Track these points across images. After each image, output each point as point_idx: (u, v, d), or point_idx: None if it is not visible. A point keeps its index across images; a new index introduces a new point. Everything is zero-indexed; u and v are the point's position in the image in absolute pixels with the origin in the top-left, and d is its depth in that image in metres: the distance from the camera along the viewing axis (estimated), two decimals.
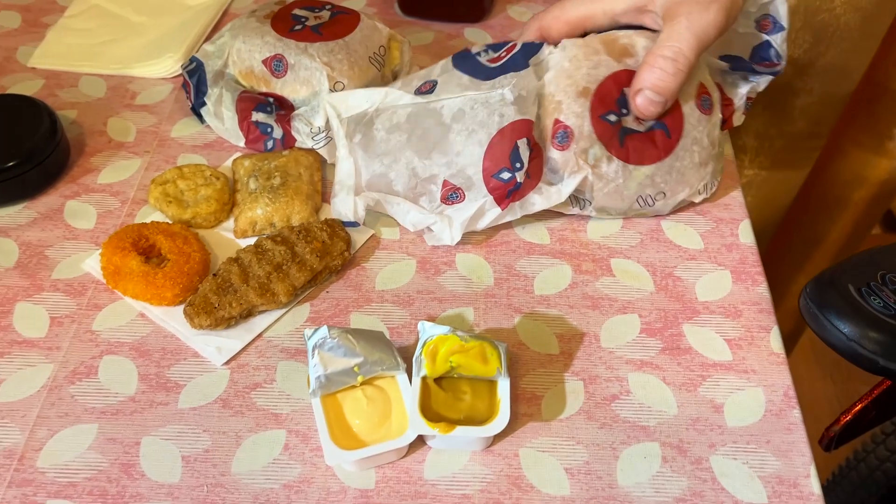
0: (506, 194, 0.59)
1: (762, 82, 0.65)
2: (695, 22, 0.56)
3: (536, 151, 0.59)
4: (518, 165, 0.58)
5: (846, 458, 0.93)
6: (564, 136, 0.59)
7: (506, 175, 0.58)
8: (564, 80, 0.59)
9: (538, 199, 0.60)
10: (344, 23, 0.68)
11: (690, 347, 0.56)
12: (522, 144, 0.58)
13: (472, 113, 0.59)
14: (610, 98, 0.59)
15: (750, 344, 0.56)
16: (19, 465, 0.49)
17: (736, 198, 0.66)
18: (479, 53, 0.62)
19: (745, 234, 0.63)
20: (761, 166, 1.08)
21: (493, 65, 0.61)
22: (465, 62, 0.62)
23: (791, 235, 1.18)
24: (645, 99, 0.58)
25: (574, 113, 0.59)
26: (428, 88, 0.62)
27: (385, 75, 0.70)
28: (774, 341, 0.56)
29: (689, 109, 0.60)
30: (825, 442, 0.64)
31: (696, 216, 0.64)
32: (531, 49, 0.60)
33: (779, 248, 1.21)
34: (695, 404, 0.53)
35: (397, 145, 0.61)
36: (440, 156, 0.60)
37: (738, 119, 0.65)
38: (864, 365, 0.52)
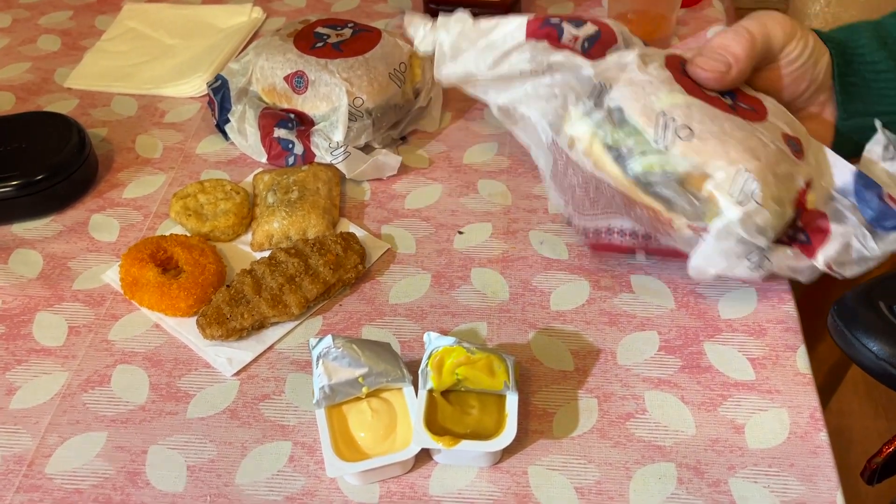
0: None
1: None
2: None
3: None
4: None
5: None
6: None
7: None
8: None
9: None
10: (365, 40, 0.68)
11: (711, 366, 0.53)
12: None
13: None
14: None
15: (774, 363, 0.53)
16: (28, 470, 0.49)
17: None
18: None
19: None
20: None
21: None
22: None
23: None
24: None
25: None
26: None
27: (406, 92, 0.70)
28: (801, 361, 0.54)
29: None
30: (867, 474, 0.60)
31: None
32: None
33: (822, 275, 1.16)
34: (714, 424, 0.50)
35: None
36: None
37: None
38: None
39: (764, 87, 0.57)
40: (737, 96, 0.54)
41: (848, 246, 0.53)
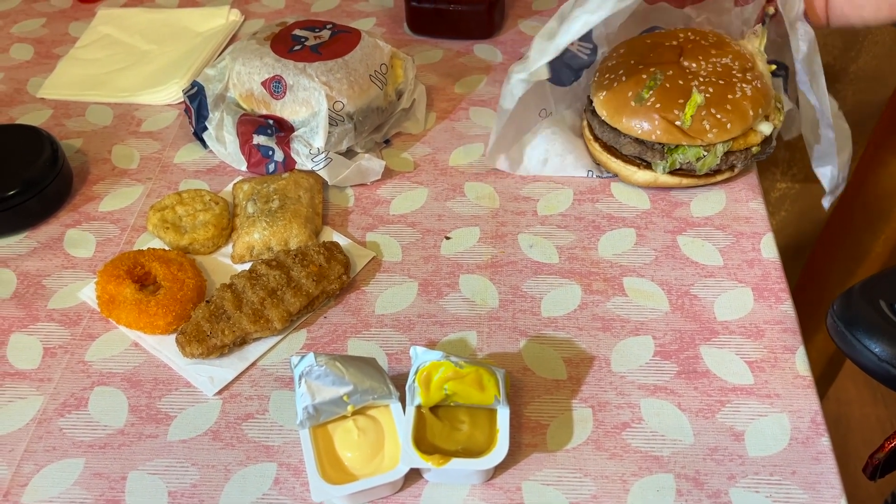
0: None
1: None
2: None
3: None
4: None
5: None
6: None
7: None
8: None
9: None
10: (344, 42, 0.66)
11: (708, 371, 0.52)
12: None
13: None
14: None
15: (773, 366, 0.52)
16: (4, 501, 0.47)
17: (757, 210, 0.62)
18: None
19: (768, 249, 0.59)
20: (794, 179, 1.03)
21: None
22: None
23: (832, 251, 1.13)
24: None
25: None
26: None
27: (388, 93, 0.68)
28: (800, 363, 0.52)
29: None
30: (869, 470, 0.59)
31: (714, 231, 0.60)
32: None
33: (819, 264, 1.15)
34: (713, 432, 0.49)
35: None
36: None
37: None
38: None
39: None
40: None
41: None
